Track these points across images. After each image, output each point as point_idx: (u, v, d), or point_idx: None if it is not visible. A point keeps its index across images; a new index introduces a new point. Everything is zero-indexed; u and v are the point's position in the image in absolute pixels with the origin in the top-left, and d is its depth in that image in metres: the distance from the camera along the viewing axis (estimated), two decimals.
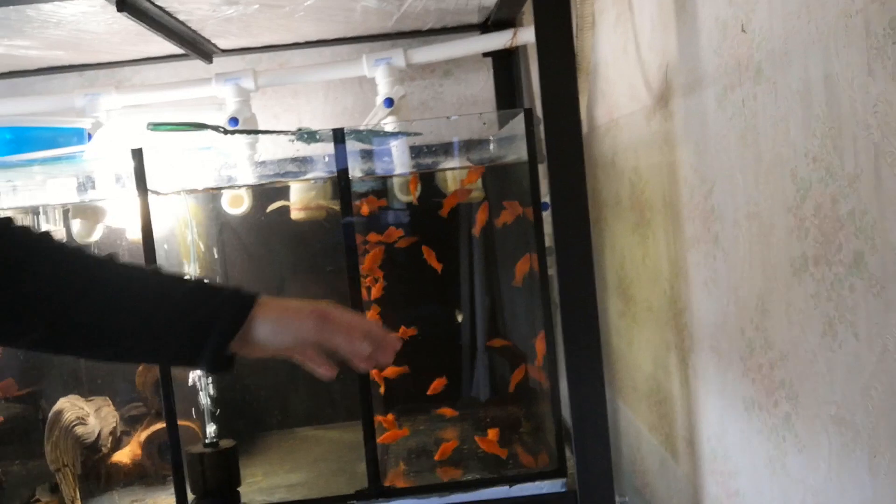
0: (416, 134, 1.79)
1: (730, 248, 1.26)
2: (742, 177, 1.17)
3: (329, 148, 1.65)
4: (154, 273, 1.00)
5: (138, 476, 1.84)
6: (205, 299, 0.94)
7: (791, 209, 1.02)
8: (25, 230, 0.93)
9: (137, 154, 1.55)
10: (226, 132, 1.68)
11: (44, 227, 1.78)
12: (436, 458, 1.82)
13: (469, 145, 1.89)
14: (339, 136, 1.57)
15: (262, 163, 1.81)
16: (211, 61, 2.21)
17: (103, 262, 0.94)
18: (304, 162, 1.86)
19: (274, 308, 0.96)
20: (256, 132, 1.71)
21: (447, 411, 1.95)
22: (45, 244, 0.92)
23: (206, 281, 0.97)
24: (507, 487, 1.62)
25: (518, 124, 1.77)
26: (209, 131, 1.60)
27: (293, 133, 1.64)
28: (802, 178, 0.98)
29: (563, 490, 1.63)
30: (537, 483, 1.62)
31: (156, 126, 1.59)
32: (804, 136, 0.96)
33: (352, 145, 1.70)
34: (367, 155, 1.80)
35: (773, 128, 1.05)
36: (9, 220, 0.94)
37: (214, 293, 0.96)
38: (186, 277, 0.97)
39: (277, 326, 0.95)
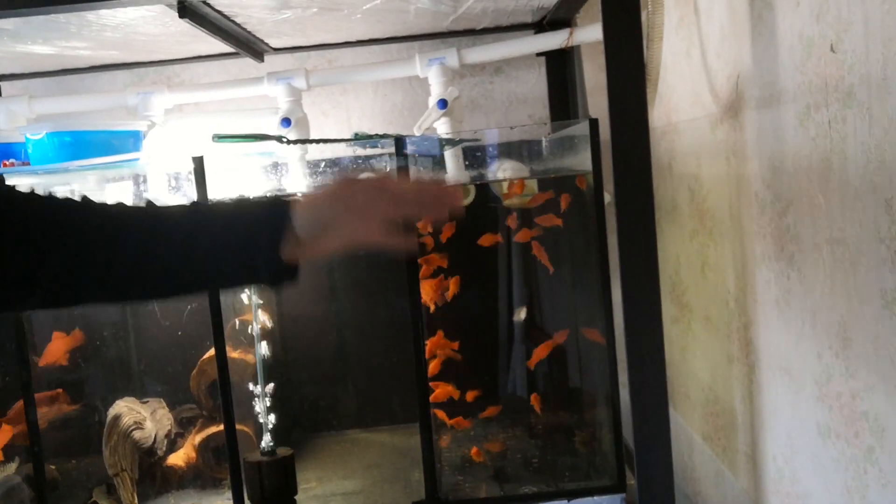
0: (474, 140, 1.77)
1: (807, 271, 1.22)
2: (825, 200, 1.14)
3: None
4: (194, 203, 0.94)
5: (192, 479, 1.84)
6: (245, 213, 0.92)
7: (884, 240, 0.98)
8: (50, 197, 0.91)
9: (199, 161, 1.54)
10: (289, 142, 1.66)
11: None
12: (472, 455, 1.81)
13: (526, 150, 1.86)
14: (399, 146, 1.55)
15: (323, 171, 1.79)
16: (262, 60, 2.19)
17: (138, 207, 0.93)
18: (362, 164, 1.84)
19: (308, 196, 0.93)
20: (317, 141, 1.69)
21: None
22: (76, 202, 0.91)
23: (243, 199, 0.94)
24: (566, 501, 1.60)
25: (576, 128, 1.74)
26: (271, 141, 1.59)
27: (352, 140, 1.62)
28: None
29: None
30: (596, 498, 1.61)
31: (220, 138, 1.58)
32: None
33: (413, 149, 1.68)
34: (431, 160, 1.77)
35: (865, 154, 1.01)
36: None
37: (253, 206, 0.93)
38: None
39: (317, 204, 0.90)
